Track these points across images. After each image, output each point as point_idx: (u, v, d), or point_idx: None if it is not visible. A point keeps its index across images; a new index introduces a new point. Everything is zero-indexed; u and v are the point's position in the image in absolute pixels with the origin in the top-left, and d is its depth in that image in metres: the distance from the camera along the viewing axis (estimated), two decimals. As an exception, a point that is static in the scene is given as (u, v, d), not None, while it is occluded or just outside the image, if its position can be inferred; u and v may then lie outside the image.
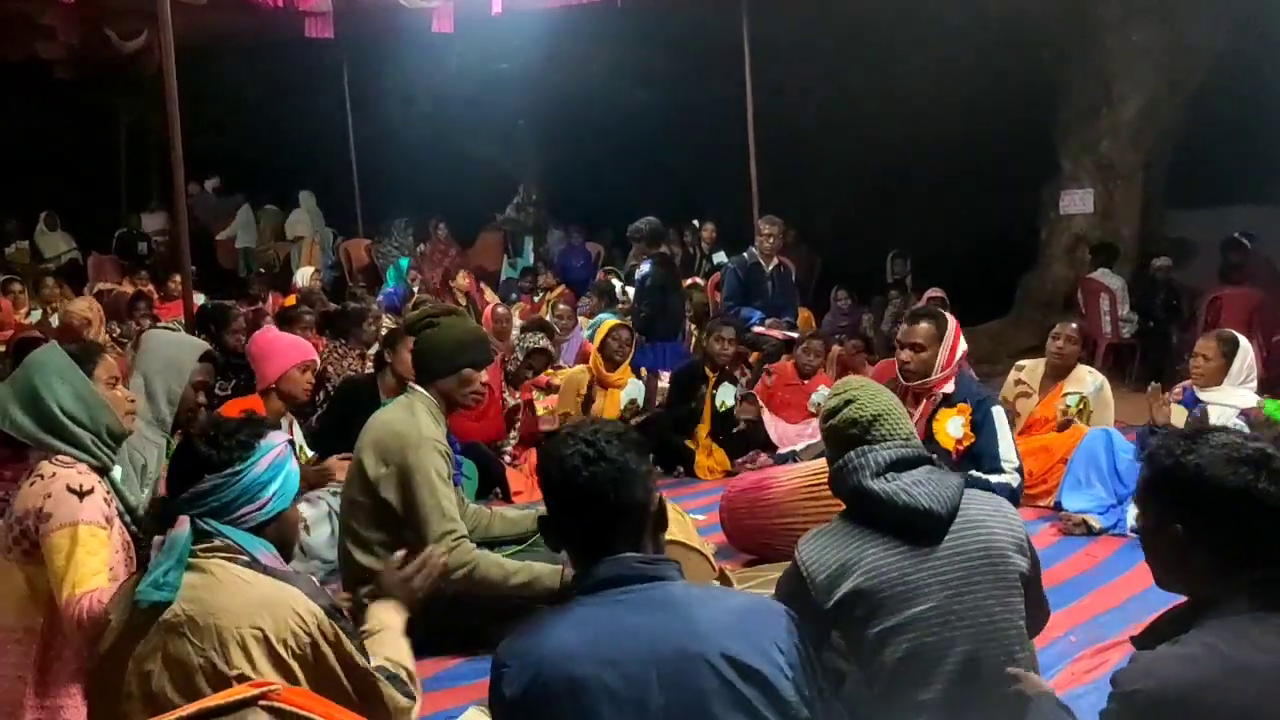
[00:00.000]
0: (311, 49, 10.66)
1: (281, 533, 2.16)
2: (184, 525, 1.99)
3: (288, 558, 2.18)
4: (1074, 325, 5.68)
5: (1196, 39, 9.34)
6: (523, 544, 3.74)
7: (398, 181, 13.68)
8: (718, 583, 3.65)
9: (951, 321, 4.37)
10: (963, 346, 4.38)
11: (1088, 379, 5.56)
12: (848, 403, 2.40)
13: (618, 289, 9.57)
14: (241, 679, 1.84)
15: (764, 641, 1.81)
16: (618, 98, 12.91)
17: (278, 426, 2.25)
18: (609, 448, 1.89)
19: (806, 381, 6.75)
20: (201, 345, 3.74)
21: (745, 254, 8.05)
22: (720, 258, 10.32)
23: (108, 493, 2.62)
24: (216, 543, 2.02)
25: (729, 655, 1.76)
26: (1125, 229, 9.84)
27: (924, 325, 4.30)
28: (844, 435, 2.37)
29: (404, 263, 11.42)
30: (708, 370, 6.48)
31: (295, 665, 1.94)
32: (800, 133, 11.37)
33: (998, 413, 4.30)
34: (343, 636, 2.00)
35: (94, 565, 2.44)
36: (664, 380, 6.80)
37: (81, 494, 2.49)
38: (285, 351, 4.45)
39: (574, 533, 1.94)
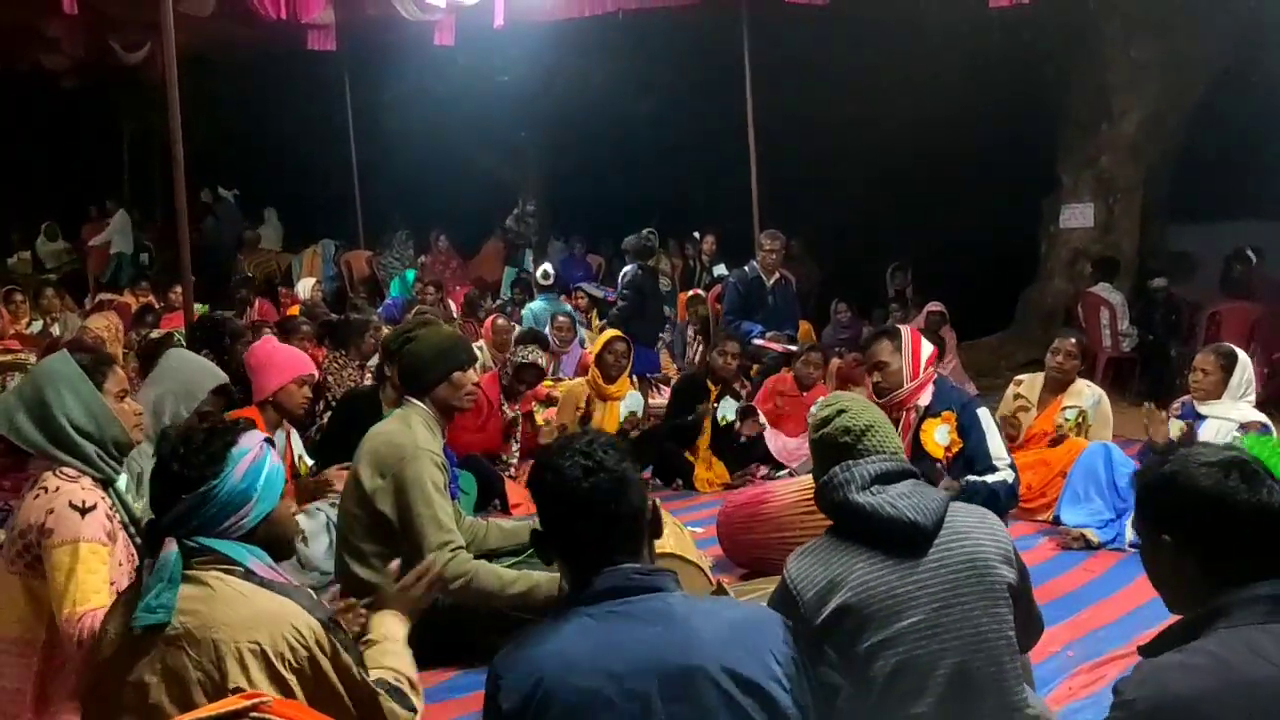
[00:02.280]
0: (314, 61, 10.71)
1: (272, 533, 2.12)
2: (171, 546, 1.97)
3: (283, 555, 2.16)
4: (1074, 340, 5.67)
5: (1196, 54, 9.38)
6: (519, 555, 3.74)
7: (399, 193, 13.71)
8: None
9: (906, 332, 4.40)
10: (927, 352, 4.34)
11: (1086, 392, 5.55)
12: (840, 412, 2.40)
13: (539, 274, 10.00)
14: (238, 693, 1.83)
15: (762, 652, 1.82)
16: (619, 110, 12.94)
17: (250, 428, 2.21)
18: (607, 458, 1.90)
19: (805, 394, 6.75)
20: (220, 378, 3.69)
21: (746, 268, 8.05)
22: (720, 270, 10.34)
23: (111, 507, 2.61)
24: (209, 556, 2.01)
25: (728, 668, 1.77)
26: (1125, 243, 9.85)
27: (879, 344, 4.37)
28: (835, 444, 2.36)
29: (410, 275, 11.41)
30: (710, 384, 6.48)
31: (293, 679, 1.92)
32: (801, 145, 11.39)
33: (983, 413, 4.30)
34: (340, 650, 1.99)
35: (95, 583, 2.43)
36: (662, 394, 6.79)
37: (84, 510, 2.48)
38: (284, 365, 4.38)
39: (571, 544, 1.94)
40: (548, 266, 10.07)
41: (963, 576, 2.20)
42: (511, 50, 11.38)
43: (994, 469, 4.16)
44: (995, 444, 4.23)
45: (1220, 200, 10.15)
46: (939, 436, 4.21)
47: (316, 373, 4.57)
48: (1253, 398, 5.01)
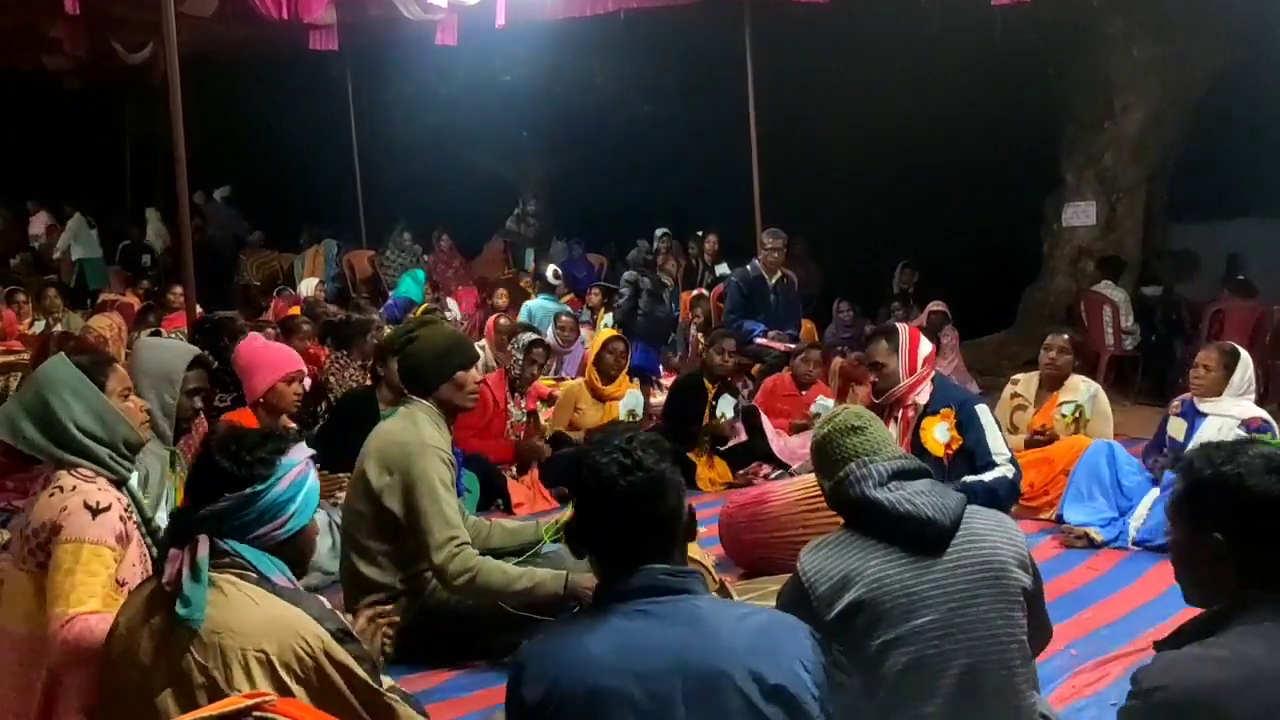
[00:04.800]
0: (316, 61, 10.71)
1: (299, 548, 2.12)
2: (204, 547, 1.95)
3: (302, 572, 2.14)
4: (1065, 336, 5.71)
5: (1198, 54, 9.37)
6: (522, 555, 3.73)
7: (401, 193, 13.73)
8: (717, 595, 3.64)
9: (904, 331, 4.43)
10: (924, 350, 4.40)
11: (1082, 388, 5.57)
12: (843, 410, 2.46)
13: (549, 272, 10.04)
14: None
15: (790, 660, 1.79)
16: (621, 110, 12.96)
17: (300, 439, 2.21)
18: (645, 456, 1.88)
19: (805, 392, 6.73)
20: (192, 351, 3.56)
21: (748, 267, 8.04)
22: (723, 269, 10.33)
23: (126, 508, 2.56)
24: (229, 559, 1.99)
25: (755, 674, 1.75)
26: (1128, 241, 9.85)
27: (876, 345, 4.44)
28: (848, 427, 2.38)
29: (420, 275, 11.37)
30: (706, 382, 6.42)
31: (300, 691, 1.90)
32: (803, 145, 11.39)
33: (982, 410, 4.31)
34: (350, 661, 1.96)
35: (92, 587, 2.38)
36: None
37: (96, 511, 2.44)
38: (272, 364, 4.32)
39: (604, 541, 1.92)
40: (556, 266, 10.10)
41: (978, 578, 2.20)
42: (513, 50, 11.39)
43: (993, 465, 4.17)
44: (995, 439, 4.24)
45: (1222, 199, 10.15)
46: (938, 434, 4.23)
47: (305, 368, 4.44)
48: (1253, 395, 5.00)
